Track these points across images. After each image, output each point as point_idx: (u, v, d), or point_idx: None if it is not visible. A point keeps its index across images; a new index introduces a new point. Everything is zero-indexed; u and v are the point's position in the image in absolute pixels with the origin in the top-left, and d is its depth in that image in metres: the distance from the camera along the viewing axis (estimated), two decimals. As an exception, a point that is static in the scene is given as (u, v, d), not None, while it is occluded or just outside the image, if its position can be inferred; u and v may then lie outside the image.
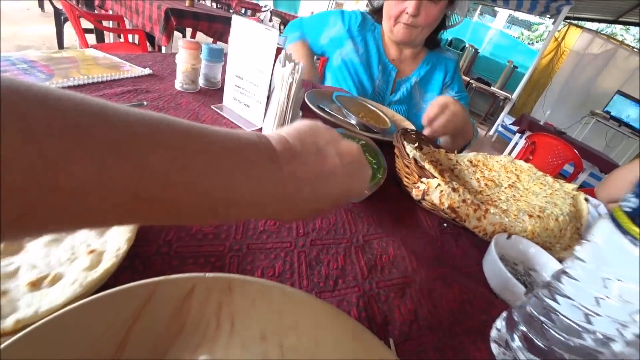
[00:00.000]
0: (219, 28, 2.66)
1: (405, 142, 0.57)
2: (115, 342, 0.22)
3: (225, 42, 2.88)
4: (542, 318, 0.30)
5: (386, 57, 1.04)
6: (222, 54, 0.80)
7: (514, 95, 4.85)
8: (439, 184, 0.47)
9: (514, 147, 4.27)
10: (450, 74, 1.06)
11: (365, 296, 0.34)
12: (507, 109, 4.93)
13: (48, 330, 0.20)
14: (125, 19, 2.74)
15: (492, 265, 0.42)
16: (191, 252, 0.33)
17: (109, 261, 0.26)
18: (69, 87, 0.62)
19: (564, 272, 0.30)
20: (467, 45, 6.94)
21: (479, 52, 7.06)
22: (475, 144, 0.92)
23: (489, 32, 8.04)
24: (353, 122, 0.78)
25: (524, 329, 0.31)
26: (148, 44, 2.66)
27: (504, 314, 0.35)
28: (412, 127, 0.85)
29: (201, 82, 0.80)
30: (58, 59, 0.74)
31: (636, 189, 0.24)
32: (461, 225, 0.50)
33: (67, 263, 0.26)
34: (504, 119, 5.02)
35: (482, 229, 0.48)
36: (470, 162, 0.64)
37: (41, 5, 5.01)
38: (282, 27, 6.24)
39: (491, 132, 5.44)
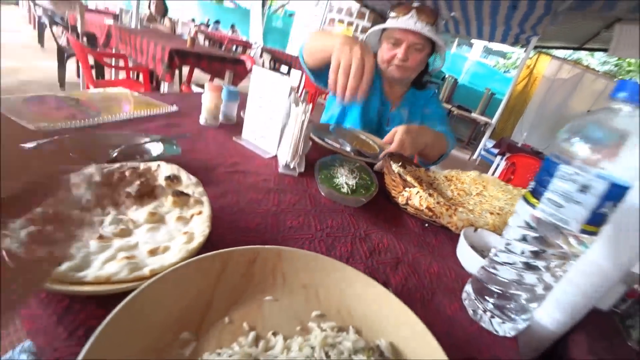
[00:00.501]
0: (217, 67, 2.87)
1: (391, 162, 0.72)
2: (211, 281, 0.35)
3: (223, 78, 3.09)
4: (487, 280, 0.44)
5: (383, 91, 1.22)
6: (238, 95, 0.95)
7: (494, 120, 5.15)
8: (418, 191, 0.62)
9: (496, 168, 4.50)
10: (429, 96, 1.26)
11: (369, 269, 0.48)
12: (487, 133, 5.21)
13: (172, 276, 0.33)
14: (129, 57, 2.94)
15: (462, 249, 0.56)
16: (244, 241, 0.46)
17: (199, 238, 0.39)
18: (116, 122, 0.76)
19: (503, 248, 0.44)
20: (446, 76, 7.39)
21: (458, 82, 7.52)
22: (461, 167, 1.08)
23: (467, 62, 8.60)
24: (348, 149, 0.94)
25: (479, 287, 0.45)
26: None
27: (470, 280, 0.49)
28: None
29: (220, 118, 0.95)
30: (99, 98, 0.89)
31: (535, 177, 0.39)
32: (439, 224, 0.64)
33: (168, 241, 0.39)
34: (486, 142, 5.29)
35: (454, 224, 0.62)
36: (446, 177, 0.80)
37: (41, 42, 5.23)
38: (272, 63, 6.56)
39: (475, 156, 5.70)
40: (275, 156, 0.80)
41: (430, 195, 0.63)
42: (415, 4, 1.07)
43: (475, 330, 0.45)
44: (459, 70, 8.33)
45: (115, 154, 0.59)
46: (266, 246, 0.39)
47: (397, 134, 0.88)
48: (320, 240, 0.51)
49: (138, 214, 0.43)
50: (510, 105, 6.28)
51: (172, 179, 0.49)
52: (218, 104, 0.90)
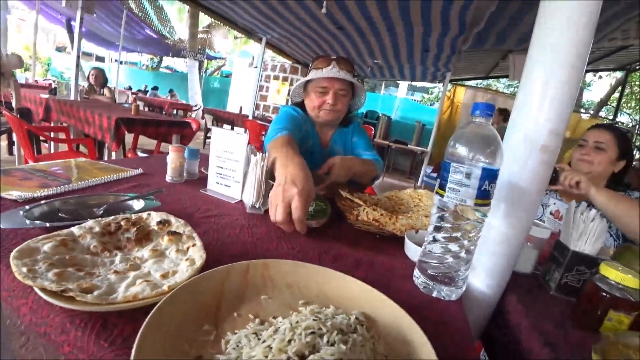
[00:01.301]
0: (164, 131, 2.94)
1: (339, 190, 0.86)
2: (217, 288, 0.44)
3: (170, 142, 3.16)
4: (426, 259, 0.58)
5: (318, 138, 1.39)
6: (198, 153, 1.06)
7: (428, 148, 5.68)
8: (364, 208, 0.77)
9: (438, 192, 4.90)
10: (354, 128, 1.45)
11: (338, 266, 0.59)
12: (426, 161, 5.70)
13: (187, 286, 0.42)
14: (70, 129, 2.92)
15: (407, 245, 0.70)
16: (234, 262, 0.55)
17: (200, 260, 0.48)
18: (89, 187, 0.82)
19: (431, 231, 0.59)
20: (380, 115, 8.10)
21: (392, 119, 8.27)
22: (408, 189, 1.26)
23: (396, 101, 9.52)
24: None
25: (422, 267, 0.59)
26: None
27: (416, 265, 0.62)
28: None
29: (184, 175, 1.04)
30: (62, 168, 0.94)
31: (440, 176, 0.55)
32: (387, 233, 0.78)
33: (174, 267, 0.48)
34: (425, 169, 5.77)
35: (398, 229, 0.76)
36: (387, 197, 0.96)
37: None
38: (215, 122, 6.75)
39: (418, 183, 6.16)
40: (241, 200, 0.91)
41: (374, 209, 0.78)
42: (333, 56, 1.27)
43: (427, 299, 0.57)
44: (391, 108, 9.17)
45: (101, 212, 0.66)
46: (255, 260, 0.50)
47: (330, 165, 1.06)
48: (294, 256, 0.62)
49: (141, 252, 0.51)
50: (440, 133, 7.01)
51: (164, 223, 0.58)
52: (182, 162, 0.99)
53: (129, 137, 3.50)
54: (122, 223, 0.56)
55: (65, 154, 2.88)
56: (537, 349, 0.57)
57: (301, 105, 1.41)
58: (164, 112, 8.20)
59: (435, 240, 0.57)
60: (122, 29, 7.89)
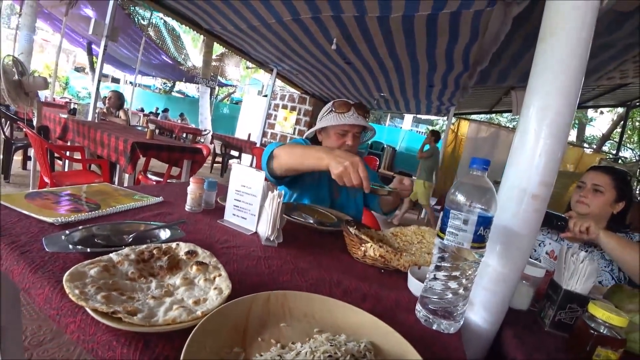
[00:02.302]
0: (176, 156, 3.05)
1: (348, 227, 0.93)
2: (244, 315, 0.50)
3: (181, 167, 3.27)
4: (427, 294, 0.64)
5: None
6: (216, 185, 1.14)
7: (433, 181, 5.75)
8: (372, 245, 0.83)
9: (441, 223, 4.93)
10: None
11: (348, 299, 0.65)
12: (430, 192, 5.76)
13: (218, 313, 0.48)
14: (85, 149, 3.04)
15: (410, 281, 0.76)
16: (256, 291, 0.61)
17: (227, 290, 0.54)
18: (116, 214, 0.89)
19: (432, 269, 0.65)
20: (385, 146, 8.27)
21: (396, 150, 8.43)
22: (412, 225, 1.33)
23: (401, 133, 9.74)
24: (311, 221, 1.15)
25: (424, 301, 0.64)
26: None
27: (418, 299, 0.68)
28: (349, 219, 1.24)
29: (202, 205, 1.11)
30: (92, 192, 1.02)
31: (441, 220, 0.62)
32: (392, 268, 0.84)
33: (204, 295, 0.54)
34: (430, 201, 5.81)
35: (402, 265, 0.82)
36: (392, 233, 1.03)
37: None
38: (223, 148, 6.92)
39: (422, 215, 6.19)
40: (256, 232, 0.97)
41: (380, 246, 0.84)
42: (352, 102, 1.42)
43: (428, 332, 0.63)
44: (396, 140, 9.37)
45: (130, 240, 0.73)
46: (275, 291, 0.56)
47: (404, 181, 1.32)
48: (307, 288, 0.68)
49: (173, 280, 0.58)
50: (445, 166, 7.12)
51: (192, 253, 0.64)
52: (201, 194, 1.07)
53: (140, 159, 3.63)
54: (155, 252, 0.63)
55: (79, 173, 2.99)
56: (530, 382, 0.61)
57: (312, 140, 1.54)
58: (174, 135, 8.42)
59: (436, 278, 0.63)
60: (139, 54, 8.27)
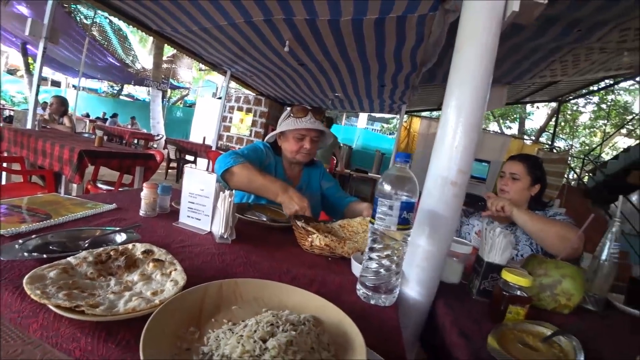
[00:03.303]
0: (127, 163, 2.96)
1: (296, 221, 1.01)
2: (198, 303, 0.56)
3: (133, 174, 3.17)
4: (365, 273, 0.73)
5: (285, 174, 1.58)
6: (170, 189, 1.17)
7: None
8: (317, 235, 0.92)
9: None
10: (322, 172, 1.70)
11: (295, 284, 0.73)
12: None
13: (176, 299, 0.54)
14: (25, 160, 2.85)
15: (353, 265, 0.85)
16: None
17: (182, 281, 0.60)
18: (70, 222, 0.90)
19: (367, 250, 0.74)
20: (342, 145, 8.47)
21: (352, 148, 8.67)
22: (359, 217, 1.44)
23: (357, 131, 10.03)
24: (264, 219, 1.22)
25: (363, 280, 0.74)
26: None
27: (358, 279, 0.77)
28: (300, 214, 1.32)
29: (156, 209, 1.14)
30: (40, 203, 1.02)
31: (373, 208, 0.71)
32: (338, 256, 0.94)
33: (162, 287, 0.59)
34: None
35: (346, 252, 0.92)
36: (340, 225, 1.13)
37: None
38: (178, 153, 6.73)
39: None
40: (210, 232, 1.02)
41: (325, 236, 0.95)
42: (309, 107, 1.52)
43: (367, 307, 0.72)
44: (352, 138, 9.63)
45: (87, 244, 0.76)
46: (227, 279, 0.62)
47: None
48: (258, 278, 0.75)
49: (131, 277, 0.62)
50: (398, 162, 7.45)
51: (148, 252, 0.69)
52: (155, 198, 1.10)
53: (88, 168, 3.46)
54: (112, 253, 0.67)
55: (20, 185, 2.81)
56: (455, 339, 0.72)
57: (273, 144, 1.62)
58: (124, 142, 8.04)
59: (370, 258, 0.73)
60: (83, 55, 7.78)
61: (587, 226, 1.15)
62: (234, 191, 0.97)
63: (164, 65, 12.16)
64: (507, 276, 0.80)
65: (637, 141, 8.87)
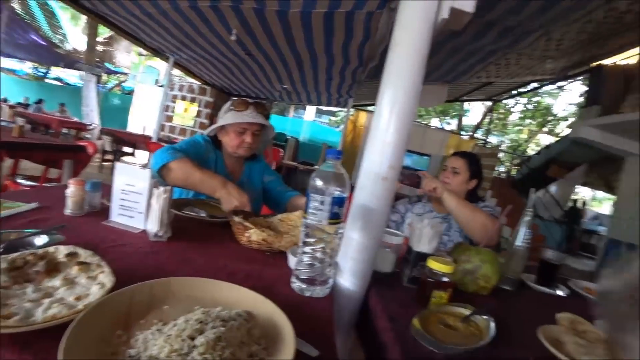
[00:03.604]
0: (54, 156, 2.71)
1: (234, 217, 1.01)
2: (126, 305, 0.55)
3: (60, 168, 2.91)
4: (300, 267, 0.76)
5: (225, 169, 1.56)
6: (100, 185, 1.11)
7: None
8: (254, 230, 0.94)
9: (345, 208, 5.35)
10: (264, 166, 1.71)
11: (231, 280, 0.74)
12: (333, 180, 6.13)
13: (100, 305, 0.52)
14: None
15: (290, 258, 0.88)
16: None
17: (109, 283, 0.58)
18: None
19: (301, 244, 0.77)
20: (288, 137, 8.47)
21: (299, 141, 8.72)
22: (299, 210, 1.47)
23: (304, 124, 10.09)
24: (203, 215, 1.21)
25: (297, 272, 0.77)
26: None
27: (293, 272, 0.80)
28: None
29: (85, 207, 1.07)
30: None
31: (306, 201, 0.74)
32: (276, 250, 0.96)
33: (87, 291, 0.57)
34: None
35: (284, 246, 0.95)
36: (279, 219, 1.15)
37: None
38: (114, 144, 6.27)
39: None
40: (144, 230, 0.99)
41: (262, 231, 0.97)
42: (251, 100, 1.50)
43: (302, 299, 0.75)
44: (299, 131, 9.68)
45: (1, 250, 0.70)
46: (159, 279, 0.62)
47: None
48: (193, 275, 0.74)
49: (52, 282, 0.59)
50: (345, 155, 7.61)
51: (72, 255, 0.66)
52: (83, 196, 1.03)
53: (6, 161, 3.10)
54: (29, 258, 0.62)
55: None
56: (383, 323, 0.78)
57: (214, 137, 1.59)
58: (51, 131, 7.30)
59: (304, 252, 0.76)
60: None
61: (510, 213, 1.30)
62: (169, 187, 0.95)
63: (99, 48, 11.14)
64: (432, 264, 0.88)
65: (556, 139, 9.94)
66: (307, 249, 0.75)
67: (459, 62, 5.03)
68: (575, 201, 11.92)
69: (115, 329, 0.51)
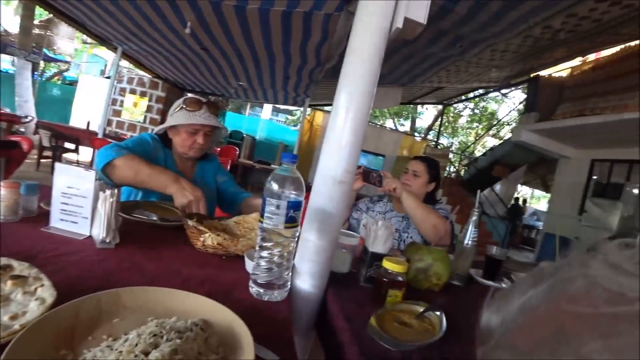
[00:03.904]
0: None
1: (187, 220, 0.98)
2: (70, 322, 0.52)
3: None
4: (257, 271, 0.76)
5: (176, 167, 1.50)
6: (38, 188, 1.02)
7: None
8: (209, 234, 0.92)
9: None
10: (217, 166, 1.67)
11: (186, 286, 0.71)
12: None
13: (40, 323, 0.48)
14: None
15: (247, 262, 0.88)
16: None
17: (50, 298, 0.54)
18: None
19: (257, 249, 0.77)
20: (244, 135, 8.34)
21: (256, 139, 8.62)
22: (255, 212, 1.45)
23: (261, 122, 9.99)
24: (154, 218, 1.15)
25: (255, 277, 0.76)
26: None
27: (250, 277, 0.80)
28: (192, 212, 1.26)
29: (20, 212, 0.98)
30: None
31: (261, 207, 0.74)
32: (233, 254, 0.94)
33: (24, 308, 0.53)
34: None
35: (240, 250, 0.94)
36: (235, 222, 1.13)
37: None
38: (53, 140, 5.74)
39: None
40: (90, 236, 0.92)
41: (218, 235, 0.94)
42: (204, 100, 1.46)
43: (260, 303, 0.75)
44: (255, 129, 9.56)
45: None
46: (106, 290, 0.58)
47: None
48: (145, 284, 0.71)
49: (-19, 300, 0.54)
50: (302, 154, 7.65)
51: (4, 268, 0.60)
52: (17, 200, 0.94)
53: None
54: (-48, 273, 0.56)
55: None
56: (341, 323, 0.80)
57: (162, 136, 1.52)
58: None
59: (261, 256, 0.76)
60: None
61: (459, 211, 1.40)
62: (116, 190, 0.89)
63: (36, 31, 10.16)
64: (387, 264, 0.92)
65: (500, 141, 10.74)
66: (264, 253, 0.75)
67: (413, 66, 5.27)
68: (517, 199, 13.03)
69: (59, 349, 0.47)
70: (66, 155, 5.97)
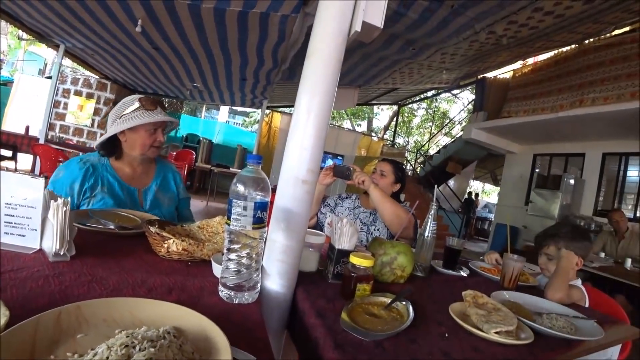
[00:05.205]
0: None
1: (149, 227, 0.95)
2: (27, 343, 0.48)
3: None
4: (226, 274, 0.75)
5: (124, 181, 1.46)
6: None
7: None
8: (173, 240, 0.90)
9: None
10: (176, 174, 1.68)
11: (152, 296, 0.69)
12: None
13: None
14: None
15: (214, 266, 0.87)
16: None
17: (3, 318, 0.50)
18: None
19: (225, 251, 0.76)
20: (201, 138, 8.11)
21: (213, 142, 8.41)
22: (218, 216, 1.43)
23: (217, 125, 9.76)
24: (112, 226, 1.09)
25: (224, 281, 0.76)
26: None
27: (220, 281, 0.79)
28: (154, 218, 1.20)
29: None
30: None
31: (227, 209, 0.74)
32: (198, 259, 0.93)
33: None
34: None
35: (206, 255, 0.93)
36: (198, 226, 1.12)
37: None
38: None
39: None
40: (41, 249, 0.86)
41: (182, 240, 0.93)
42: (157, 99, 1.47)
43: (230, 306, 0.74)
44: (212, 132, 9.33)
45: None
46: (66, 305, 0.55)
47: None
48: (107, 295, 0.68)
49: None
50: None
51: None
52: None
53: None
54: None
55: None
56: (313, 320, 0.81)
57: (107, 143, 1.46)
58: None
59: (230, 259, 0.75)
60: None
61: (418, 206, 1.50)
62: (69, 198, 0.84)
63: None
64: (353, 259, 0.95)
65: (452, 139, 11.35)
66: (233, 255, 0.75)
67: (369, 68, 5.42)
68: (470, 193, 13.83)
69: (16, 369, 0.44)
70: (2, 163, 5.44)
